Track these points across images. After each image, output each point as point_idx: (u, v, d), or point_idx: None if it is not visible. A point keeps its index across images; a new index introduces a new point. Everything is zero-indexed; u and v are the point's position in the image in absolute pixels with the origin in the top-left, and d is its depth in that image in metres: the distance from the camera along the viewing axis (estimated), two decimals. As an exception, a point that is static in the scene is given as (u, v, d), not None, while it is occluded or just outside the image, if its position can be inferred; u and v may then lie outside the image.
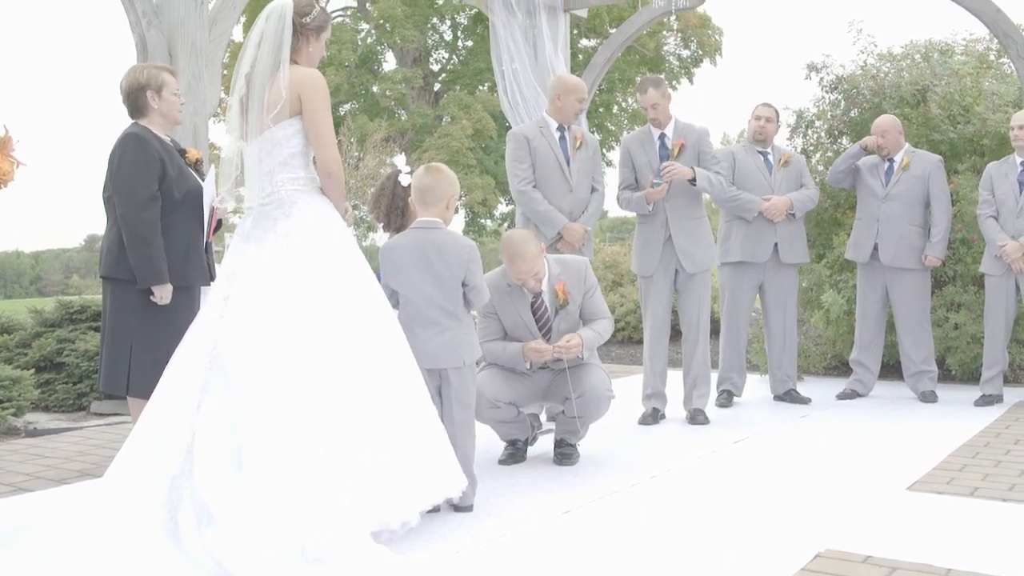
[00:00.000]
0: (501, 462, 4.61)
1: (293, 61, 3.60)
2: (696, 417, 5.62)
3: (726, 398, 6.26)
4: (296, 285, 3.44)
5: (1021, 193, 5.89)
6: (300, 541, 3.02)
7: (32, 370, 6.16)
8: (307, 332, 3.37)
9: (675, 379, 6.06)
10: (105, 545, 3.09)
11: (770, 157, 6.26)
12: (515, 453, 4.66)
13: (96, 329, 6.60)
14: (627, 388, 6.37)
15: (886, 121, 6.34)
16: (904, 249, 6.23)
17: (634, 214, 5.86)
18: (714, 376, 6.12)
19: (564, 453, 4.63)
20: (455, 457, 3.60)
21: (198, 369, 3.38)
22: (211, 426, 3.24)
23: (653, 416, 5.65)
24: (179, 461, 3.24)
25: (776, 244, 6.18)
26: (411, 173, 4.81)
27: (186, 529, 3.11)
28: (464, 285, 3.80)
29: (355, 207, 19.96)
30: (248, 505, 3.08)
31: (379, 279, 4.22)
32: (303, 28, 3.62)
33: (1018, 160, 5.96)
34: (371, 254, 4.81)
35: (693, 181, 5.51)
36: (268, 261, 3.49)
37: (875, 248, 6.29)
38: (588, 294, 4.58)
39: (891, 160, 6.31)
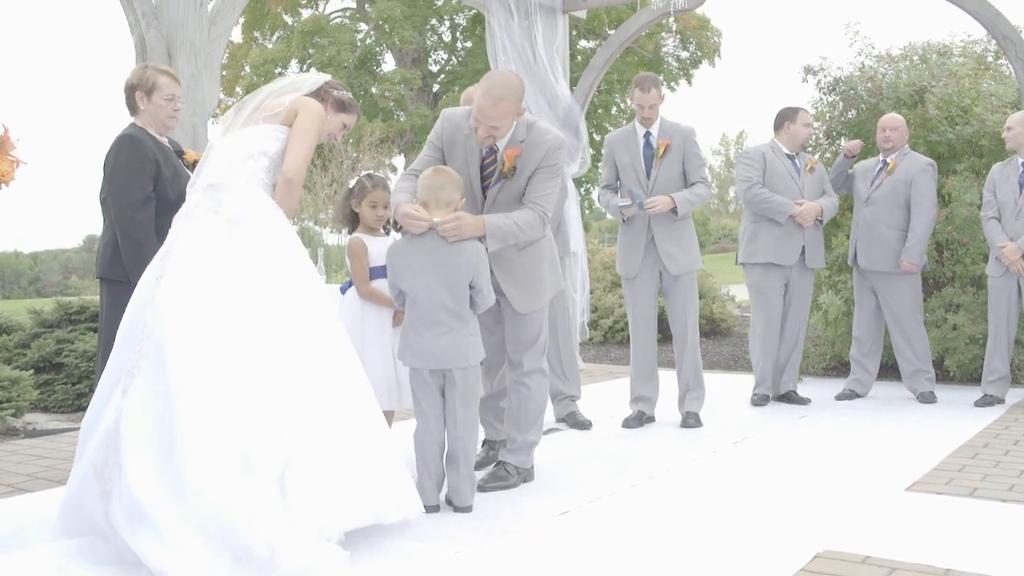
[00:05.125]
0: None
1: None
2: (688, 420, 5.55)
3: (761, 399, 6.23)
4: (236, 270, 3.28)
5: (1021, 194, 5.88)
6: (247, 541, 2.83)
7: (31, 371, 6.16)
8: (245, 318, 3.19)
9: (672, 380, 6.05)
10: (59, 553, 3.03)
11: (796, 162, 6.24)
12: (486, 459, 4.47)
13: (95, 330, 6.60)
14: (624, 390, 6.35)
15: (888, 119, 6.34)
16: (884, 253, 6.20)
17: None
18: (731, 378, 6.10)
19: (496, 475, 4.11)
20: (403, 476, 3.40)
21: (128, 352, 3.22)
22: (139, 413, 3.06)
23: (638, 419, 5.58)
24: (102, 450, 3.09)
25: (804, 248, 6.18)
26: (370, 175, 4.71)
27: (119, 527, 2.94)
28: (471, 287, 3.78)
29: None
30: (186, 500, 2.89)
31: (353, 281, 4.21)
32: (326, 94, 3.83)
33: (1019, 161, 5.96)
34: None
35: (675, 210, 5.41)
36: (207, 242, 3.33)
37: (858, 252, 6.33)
38: (540, 171, 3.97)
39: (885, 162, 6.31)
